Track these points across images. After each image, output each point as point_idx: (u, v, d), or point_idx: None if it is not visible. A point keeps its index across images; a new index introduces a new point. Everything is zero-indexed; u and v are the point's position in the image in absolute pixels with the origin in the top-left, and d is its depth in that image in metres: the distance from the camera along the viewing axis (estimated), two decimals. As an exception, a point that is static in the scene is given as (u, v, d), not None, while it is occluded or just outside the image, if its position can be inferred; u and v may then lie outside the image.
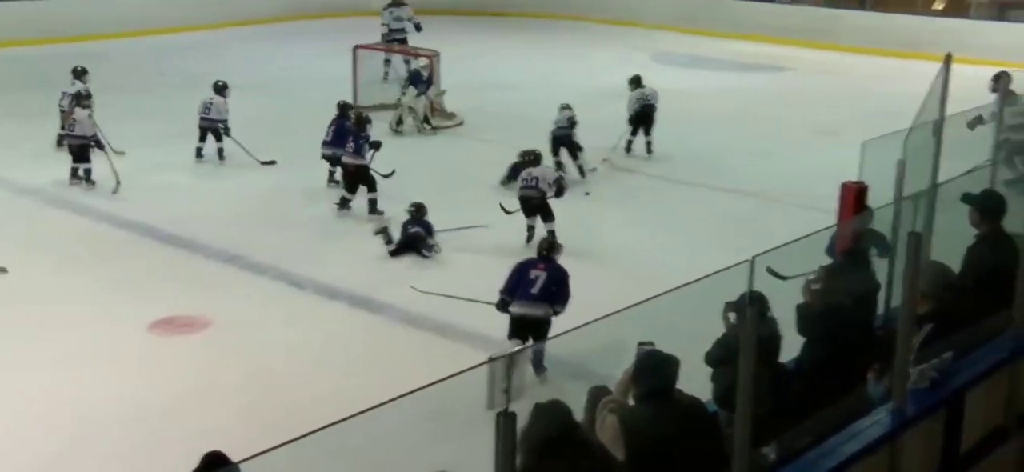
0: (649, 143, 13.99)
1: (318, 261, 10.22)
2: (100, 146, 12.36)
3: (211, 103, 13.36)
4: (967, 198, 5.91)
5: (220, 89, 13.51)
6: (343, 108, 12.81)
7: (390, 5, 19.50)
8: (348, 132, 11.93)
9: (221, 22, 22.50)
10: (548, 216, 10.55)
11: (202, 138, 13.38)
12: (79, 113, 12.39)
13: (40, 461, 6.87)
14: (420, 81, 15.31)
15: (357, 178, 11.52)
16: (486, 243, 10.76)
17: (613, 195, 12.62)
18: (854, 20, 22.85)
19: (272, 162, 13.29)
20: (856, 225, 6.85)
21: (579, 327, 4.78)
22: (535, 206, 10.63)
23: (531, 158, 11.15)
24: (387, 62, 18.22)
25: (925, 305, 5.01)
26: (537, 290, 7.88)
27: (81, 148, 12.28)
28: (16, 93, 16.57)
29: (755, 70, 20.60)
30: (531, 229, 10.66)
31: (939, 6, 22.66)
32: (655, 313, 5.60)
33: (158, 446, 6.89)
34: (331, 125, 12.47)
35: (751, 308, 4.60)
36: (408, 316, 9.04)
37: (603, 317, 5.31)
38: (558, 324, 7.81)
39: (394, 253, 10.37)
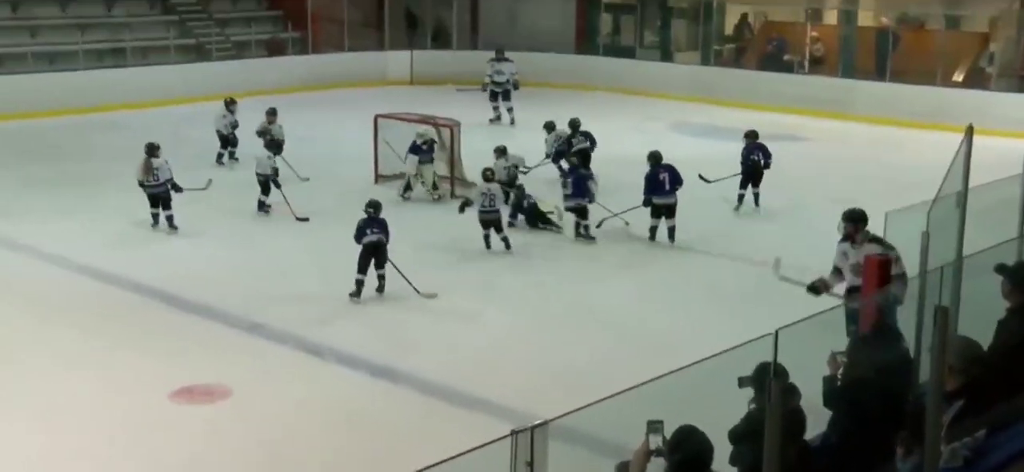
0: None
1: (338, 329, 10.21)
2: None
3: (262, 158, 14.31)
4: (1001, 269, 5.83)
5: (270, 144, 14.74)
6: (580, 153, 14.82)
7: (494, 59, 20.87)
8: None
9: (235, 92, 22.53)
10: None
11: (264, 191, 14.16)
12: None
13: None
14: (419, 151, 15.37)
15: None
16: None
17: (623, 262, 12.59)
18: (873, 90, 22.78)
19: (306, 219, 13.66)
20: (881, 298, 6.81)
21: (598, 402, 4.75)
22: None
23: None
24: (495, 111, 20.86)
25: (954, 381, 4.94)
26: (668, 186, 12.92)
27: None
28: (31, 163, 16.72)
29: (771, 140, 20.41)
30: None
31: (959, 77, 22.67)
32: (675, 387, 5.55)
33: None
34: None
35: (776, 381, 4.55)
36: (429, 386, 8.98)
37: (622, 392, 5.26)
38: (577, 399, 7.76)
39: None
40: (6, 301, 10.74)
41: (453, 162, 15.54)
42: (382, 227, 11.00)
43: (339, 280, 11.69)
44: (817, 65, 24.21)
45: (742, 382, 5.34)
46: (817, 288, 8.83)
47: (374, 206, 11.08)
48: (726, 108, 23.25)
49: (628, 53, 26.81)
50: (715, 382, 5.75)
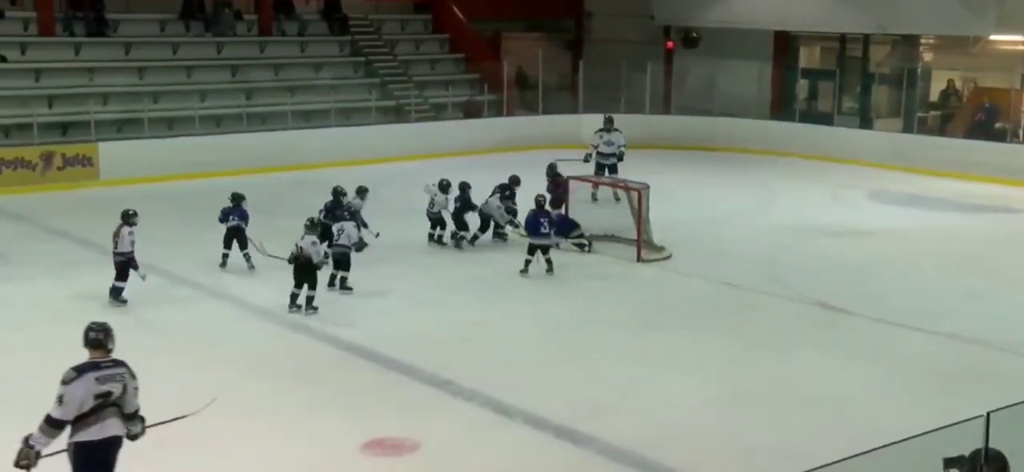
0: None
1: (525, 387, 10.24)
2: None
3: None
4: None
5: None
6: None
7: (602, 129, 19.65)
8: None
9: (432, 153, 23.29)
10: None
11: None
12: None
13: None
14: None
15: None
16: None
17: (819, 337, 12.11)
18: (1105, 160, 21.29)
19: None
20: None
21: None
22: None
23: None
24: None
25: None
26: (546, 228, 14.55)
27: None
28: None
29: (981, 211, 19.59)
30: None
31: None
32: (870, 467, 5.27)
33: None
34: None
35: (989, 467, 4.27)
36: (614, 450, 8.88)
37: (821, 467, 5.04)
38: None
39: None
40: (209, 352, 11.27)
41: (640, 225, 15.47)
42: (242, 215, 13.92)
43: (527, 335, 11.82)
44: (1034, 133, 22.94)
45: (948, 463, 5.01)
46: None
47: (235, 199, 14.07)
48: (928, 177, 22.32)
49: (825, 119, 26.16)
50: (916, 462, 5.44)
